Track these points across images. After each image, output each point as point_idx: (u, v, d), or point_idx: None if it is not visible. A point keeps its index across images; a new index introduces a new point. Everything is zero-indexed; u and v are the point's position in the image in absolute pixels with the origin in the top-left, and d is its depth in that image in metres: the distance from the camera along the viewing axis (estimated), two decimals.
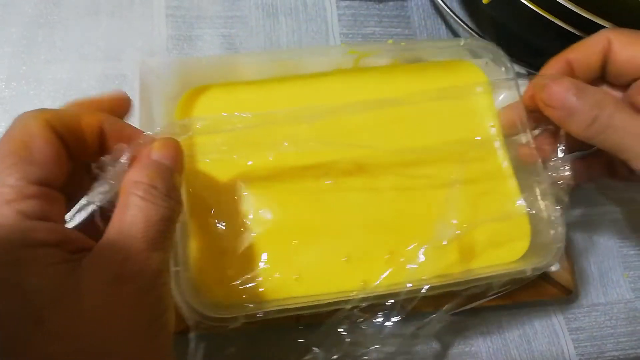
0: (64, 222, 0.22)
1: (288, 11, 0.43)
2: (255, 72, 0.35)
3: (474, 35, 0.43)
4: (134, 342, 0.19)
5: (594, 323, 0.40)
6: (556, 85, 0.29)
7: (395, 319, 0.31)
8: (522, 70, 0.44)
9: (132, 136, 0.24)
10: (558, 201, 0.33)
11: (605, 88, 0.33)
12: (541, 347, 0.38)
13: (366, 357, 0.32)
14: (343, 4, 0.44)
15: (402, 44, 0.37)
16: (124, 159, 0.24)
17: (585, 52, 0.31)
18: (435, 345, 0.37)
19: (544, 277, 0.38)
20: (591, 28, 0.35)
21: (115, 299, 0.19)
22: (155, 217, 0.21)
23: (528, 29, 0.41)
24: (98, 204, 0.24)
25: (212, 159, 0.33)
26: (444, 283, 0.32)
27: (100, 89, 0.39)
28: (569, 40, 0.36)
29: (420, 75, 0.38)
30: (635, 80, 0.31)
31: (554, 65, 0.32)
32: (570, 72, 0.32)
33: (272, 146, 0.32)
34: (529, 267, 0.33)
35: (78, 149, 0.23)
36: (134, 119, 0.37)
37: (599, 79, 0.33)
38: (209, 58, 0.38)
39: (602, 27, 0.35)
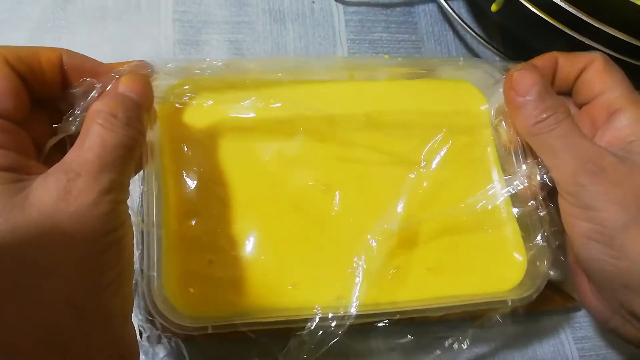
0: (26, 154, 0.23)
1: (295, 17, 0.43)
2: (255, 76, 0.35)
3: (481, 42, 0.43)
4: (79, 254, 0.20)
5: (599, 332, 0.39)
6: (529, 73, 0.31)
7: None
8: None
9: (93, 69, 0.26)
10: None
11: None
12: (546, 357, 0.38)
13: None
14: (350, 9, 0.44)
15: (399, 59, 0.37)
16: (94, 93, 0.25)
17: (572, 63, 0.32)
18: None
19: (549, 286, 0.38)
20: (600, 36, 0.35)
21: (61, 213, 0.20)
22: (111, 143, 0.22)
23: (537, 37, 0.41)
24: (69, 133, 0.25)
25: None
26: (411, 309, 0.31)
27: None
28: (577, 48, 0.36)
29: (416, 91, 0.37)
30: (582, 104, 0.32)
31: (545, 58, 0.33)
32: (554, 72, 0.33)
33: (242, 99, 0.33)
34: (509, 298, 0.32)
35: (37, 83, 0.23)
36: None
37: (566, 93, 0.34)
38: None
39: (612, 35, 0.35)
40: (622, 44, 0.35)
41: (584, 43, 0.36)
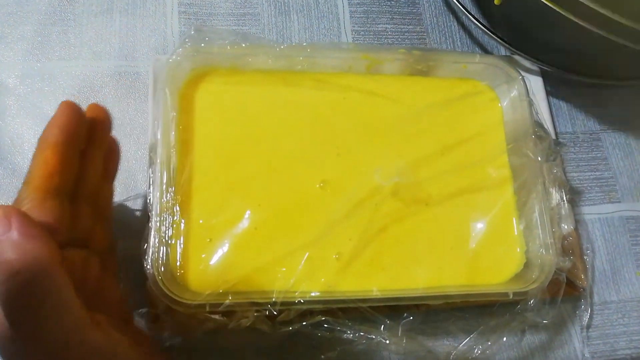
0: None
1: (300, 8, 0.43)
2: (265, 64, 0.36)
3: (486, 32, 0.43)
4: None
5: (606, 321, 0.39)
6: None
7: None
8: (534, 67, 0.44)
9: None
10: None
11: None
12: (554, 345, 0.38)
13: None
14: (355, 1, 0.44)
15: (415, 52, 0.37)
16: None
17: None
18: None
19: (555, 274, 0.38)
20: (606, 24, 0.35)
21: None
22: None
23: (543, 27, 0.41)
24: None
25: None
26: (410, 295, 0.32)
27: (114, 87, 0.39)
28: (585, 37, 0.36)
29: (430, 89, 0.38)
30: None
31: None
32: None
33: None
34: (511, 290, 0.33)
35: None
36: (148, 116, 0.37)
37: None
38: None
39: (617, 22, 0.35)
40: (631, 33, 0.35)
41: (592, 31, 0.36)
